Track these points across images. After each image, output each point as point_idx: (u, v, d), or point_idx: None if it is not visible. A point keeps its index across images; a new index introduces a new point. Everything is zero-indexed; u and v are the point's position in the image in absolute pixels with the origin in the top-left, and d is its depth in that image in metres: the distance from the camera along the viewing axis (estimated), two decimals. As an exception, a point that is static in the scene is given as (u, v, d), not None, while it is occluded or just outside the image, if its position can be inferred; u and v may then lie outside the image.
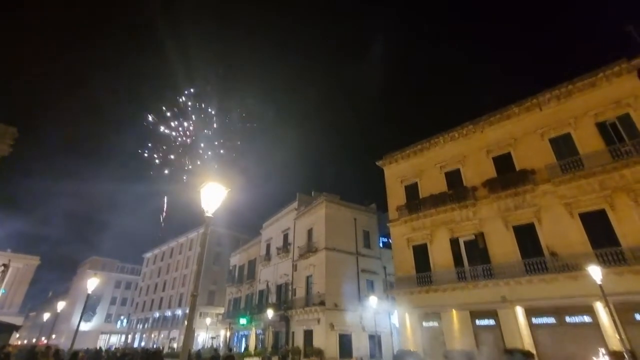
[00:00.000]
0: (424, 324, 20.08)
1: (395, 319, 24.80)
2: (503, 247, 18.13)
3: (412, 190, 23.66)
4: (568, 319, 15.48)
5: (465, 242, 19.84)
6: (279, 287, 33.86)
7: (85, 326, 62.68)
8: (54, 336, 63.79)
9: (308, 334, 27.33)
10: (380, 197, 32.22)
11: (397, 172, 25.06)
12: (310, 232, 31.33)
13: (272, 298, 33.73)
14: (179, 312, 53.85)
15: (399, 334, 22.08)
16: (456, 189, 20.92)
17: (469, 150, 21.53)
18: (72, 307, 64.08)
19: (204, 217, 7.22)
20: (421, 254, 21.56)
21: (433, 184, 22.43)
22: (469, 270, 18.90)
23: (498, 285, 17.34)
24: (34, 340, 72.17)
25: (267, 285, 35.34)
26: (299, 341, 27.85)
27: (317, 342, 25.92)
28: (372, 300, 24.19)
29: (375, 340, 26.76)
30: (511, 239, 18.04)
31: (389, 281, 28.61)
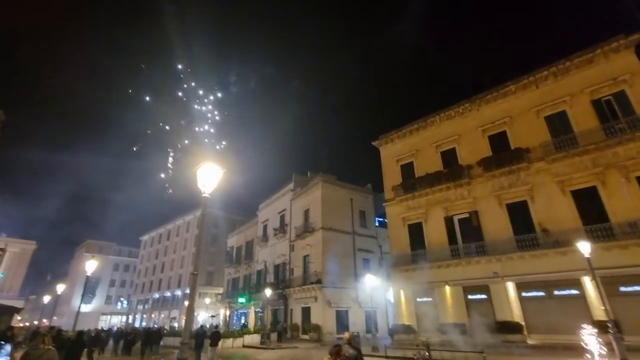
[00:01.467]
0: (418, 299, 20.72)
1: (390, 295, 25.52)
2: (496, 224, 18.50)
3: (407, 170, 23.77)
4: (556, 292, 16.07)
5: (459, 220, 20.19)
6: (276, 267, 34.45)
7: (85, 308, 63.65)
8: (55, 318, 64.79)
9: (306, 311, 28.11)
10: (376, 177, 32.38)
11: (393, 152, 25.07)
12: (306, 213, 31.59)
13: (270, 278, 34.36)
14: (178, 292, 54.79)
15: (394, 309, 22.79)
16: (451, 168, 21.06)
17: (464, 128, 21.52)
18: (71, 290, 64.79)
19: (200, 198, 7.22)
20: (416, 232, 21.94)
21: (429, 163, 22.53)
22: (462, 248, 19.34)
23: (490, 261, 17.82)
24: (35, 322, 73.28)
25: (265, 265, 35.92)
26: (297, 318, 28.67)
27: (315, 318, 26.70)
28: (368, 278, 24.78)
29: (371, 315, 27.65)
30: (504, 217, 18.38)
31: (384, 259, 29.25)
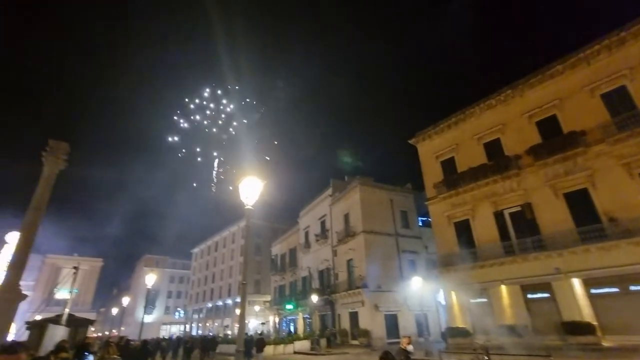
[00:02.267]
0: (472, 300, 19.60)
1: (441, 297, 24.47)
2: (553, 216, 17.04)
3: (448, 166, 22.79)
4: (633, 288, 14.37)
5: (510, 215, 18.90)
6: (320, 273, 34.58)
7: (148, 318, 68.42)
8: (122, 328, 70.43)
9: (353, 316, 27.83)
10: (415, 176, 31.46)
11: (431, 148, 24.21)
12: (347, 217, 31.45)
13: (316, 284, 34.55)
14: (229, 301, 57.00)
15: (446, 311, 21.80)
16: (497, 160, 19.84)
17: (508, 117, 20.22)
18: (135, 302, 70.06)
19: (243, 209, 7.49)
20: (463, 230, 20.88)
21: (471, 156, 21.42)
22: (516, 244, 18.04)
23: (550, 257, 16.41)
24: (106, 332, 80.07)
25: (309, 271, 36.21)
26: (345, 323, 28.47)
27: (363, 323, 26.33)
28: (415, 280, 24.01)
29: (422, 318, 26.69)
30: (562, 207, 16.88)
31: (431, 259, 28.16)
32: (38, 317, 17.46)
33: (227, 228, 64.02)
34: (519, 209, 18.52)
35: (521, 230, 18.16)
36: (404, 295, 26.64)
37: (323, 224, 35.92)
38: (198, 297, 69.05)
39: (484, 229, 19.78)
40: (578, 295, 15.55)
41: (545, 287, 16.64)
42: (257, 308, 46.93)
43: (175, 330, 74.44)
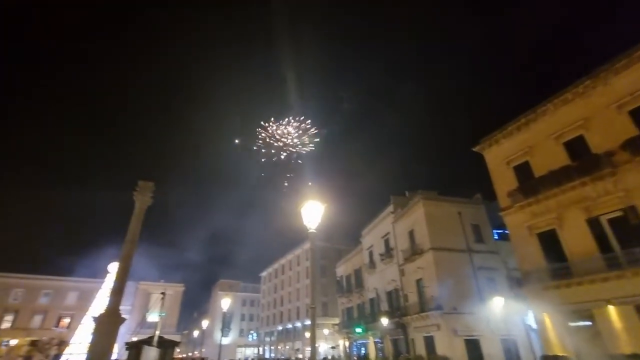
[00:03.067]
0: (571, 324, 16.88)
1: (531, 320, 21.58)
2: (669, 220, 14.16)
3: (523, 171, 20.63)
4: None
5: (610, 221, 16.20)
6: (389, 294, 33.15)
7: (224, 340, 71.98)
8: (203, 350, 75.00)
9: (429, 341, 25.86)
10: (484, 185, 29.07)
11: (500, 154, 22.27)
12: (411, 234, 30.05)
13: (384, 305, 33.15)
14: (298, 324, 57.42)
15: (539, 337, 19.06)
16: (582, 160, 17.42)
17: (591, 110, 17.81)
18: (212, 324, 74.46)
19: (307, 233, 7.61)
20: (550, 241, 18.41)
21: (549, 158, 19.15)
22: (622, 255, 15.28)
23: (672, 269, 13.53)
24: (189, 353, 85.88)
25: (377, 292, 34.97)
26: (421, 349, 26.54)
27: (441, 349, 24.27)
28: (497, 301, 21.63)
29: (509, 344, 23.73)
30: (680, 209, 13.98)
31: (514, 277, 25.19)
32: (134, 339, 19.51)
33: (292, 251, 65.65)
34: (620, 213, 15.81)
35: (626, 239, 15.38)
36: (486, 318, 24.02)
37: (387, 242, 34.77)
38: (269, 320, 70.88)
39: (576, 239, 17.21)
40: None
41: (671, 307, 13.67)
42: (326, 331, 46.38)
43: (250, 353, 76.92)
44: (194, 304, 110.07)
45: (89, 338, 13.95)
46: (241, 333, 79.67)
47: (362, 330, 35.91)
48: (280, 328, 64.37)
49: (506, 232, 23.26)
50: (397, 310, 30.41)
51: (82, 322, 24.62)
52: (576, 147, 18.18)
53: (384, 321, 28.59)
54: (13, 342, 46.30)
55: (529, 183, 19.77)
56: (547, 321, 17.66)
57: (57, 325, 52.18)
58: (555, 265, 17.66)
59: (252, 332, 79.01)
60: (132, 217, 14.77)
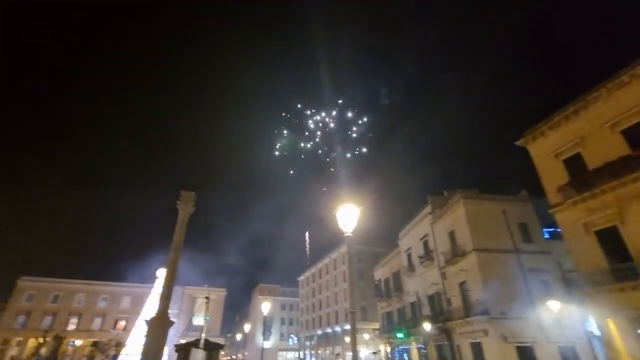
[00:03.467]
0: (641, 331, 15.19)
1: (592, 326, 19.74)
2: None
3: (574, 164, 19.01)
4: None
5: (682, 216, 14.44)
6: (430, 298, 31.98)
7: (266, 344, 73.44)
8: (246, 353, 77.03)
9: (476, 347, 24.54)
10: (529, 181, 27.21)
11: (547, 146, 20.72)
12: (452, 235, 28.83)
13: (426, 310, 32.01)
14: (337, 328, 57.12)
15: (603, 344, 17.35)
16: (645, 148, 15.73)
17: (651, 93, 16.06)
18: (254, 328, 76.33)
19: (342, 237, 7.56)
20: (611, 240, 16.76)
21: (605, 149, 17.50)
22: (701, 253, 13.53)
23: None
24: (233, 356, 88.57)
25: (417, 296, 33.89)
26: (467, 356, 25.27)
27: (490, 356, 22.92)
28: (552, 305, 20.04)
29: (568, 353, 21.86)
30: None
31: (570, 279, 23.23)
32: (182, 341, 20.52)
33: (328, 255, 65.69)
34: (694, 207, 14.04)
35: None
36: (538, 324, 22.33)
37: (426, 244, 33.64)
38: (308, 324, 71.26)
39: (643, 237, 15.50)
40: None
41: None
42: (366, 336, 45.68)
43: (291, 357, 77.73)
44: (235, 308, 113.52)
45: (142, 340, 14.86)
46: (282, 337, 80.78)
47: (404, 336, 34.90)
48: (319, 332, 64.42)
49: (558, 230, 21.61)
50: (440, 314, 29.22)
51: (135, 324, 26.33)
52: (636, 134, 16.47)
53: (427, 326, 27.57)
54: (78, 342, 50.61)
55: (582, 177, 18.18)
56: (612, 327, 16.04)
57: (114, 327, 56.33)
58: (619, 266, 16.02)
59: (292, 336, 79.87)
60: (176, 226, 15.59)
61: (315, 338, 66.21)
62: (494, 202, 27.67)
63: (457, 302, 27.27)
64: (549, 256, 25.39)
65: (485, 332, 23.44)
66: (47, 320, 53.21)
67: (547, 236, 26.65)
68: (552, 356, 22.07)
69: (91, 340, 51.10)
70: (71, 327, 54.15)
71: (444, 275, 29.72)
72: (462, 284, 27.03)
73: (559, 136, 20.10)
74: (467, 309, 25.66)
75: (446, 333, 27.91)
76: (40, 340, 44.26)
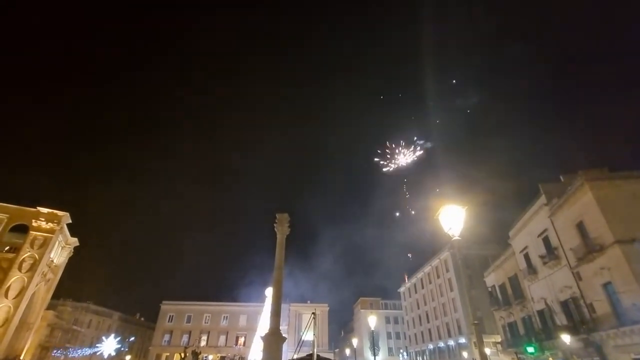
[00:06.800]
0: None
1: None
2: None
3: None
4: None
5: None
6: (563, 304, 26.89)
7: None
8: (356, 369, 76.30)
9: (643, 365, 19.41)
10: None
11: None
12: (581, 227, 24.03)
13: (561, 319, 26.96)
14: (451, 342, 52.42)
15: None
16: None
17: None
18: (360, 342, 75.46)
19: (450, 241, 6.81)
20: None
21: None
22: None
23: None
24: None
25: (546, 303, 28.87)
26: (632, 376, 20.12)
27: (668, 377, 17.82)
28: None
29: None
30: None
31: None
32: (295, 356, 21.36)
33: (428, 263, 61.75)
34: None
35: None
36: None
37: (547, 241, 28.72)
38: (417, 338, 67.30)
39: None
40: None
41: None
42: (488, 351, 40.65)
43: (405, 373, 73.95)
44: (338, 322, 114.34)
45: (260, 355, 15.91)
46: (390, 352, 77.80)
47: (535, 350, 29.88)
48: (431, 347, 60.03)
49: None
50: (581, 324, 24.22)
51: (253, 340, 28.59)
52: None
53: (566, 338, 23.10)
54: (210, 357, 57.51)
55: None
56: None
57: (236, 343, 62.40)
58: None
59: (401, 350, 76.25)
60: (276, 247, 16.58)
61: (427, 353, 61.84)
62: (631, 181, 22.26)
63: (602, 307, 22.30)
64: None
65: (655, 346, 18.45)
66: (185, 338, 61.93)
67: None
68: None
69: (219, 355, 57.51)
70: (202, 343, 61.95)
71: (578, 276, 24.78)
72: (606, 286, 22.06)
73: None
74: (620, 316, 20.70)
75: (594, 347, 22.89)
76: (182, 355, 51.74)
